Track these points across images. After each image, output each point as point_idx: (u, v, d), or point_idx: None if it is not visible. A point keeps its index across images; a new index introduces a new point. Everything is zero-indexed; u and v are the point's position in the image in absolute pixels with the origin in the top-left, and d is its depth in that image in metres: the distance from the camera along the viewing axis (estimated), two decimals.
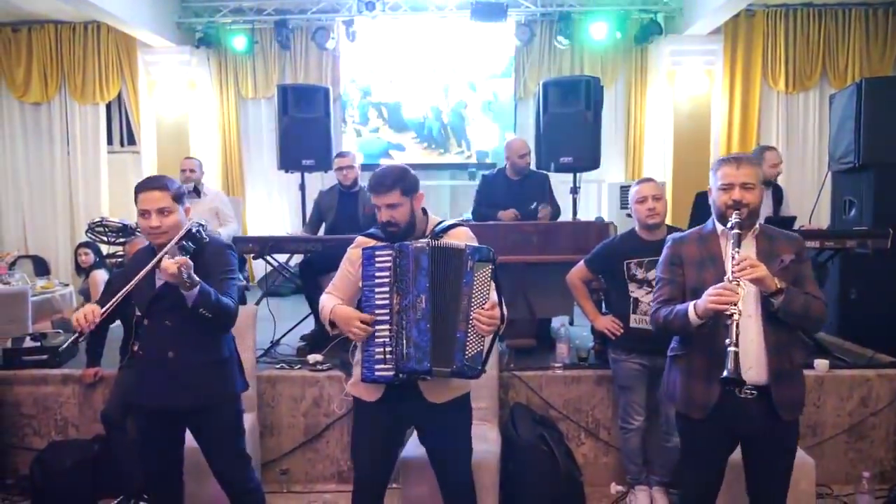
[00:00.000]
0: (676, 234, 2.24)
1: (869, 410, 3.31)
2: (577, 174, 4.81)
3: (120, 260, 4.90)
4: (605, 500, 3.23)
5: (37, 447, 3.47)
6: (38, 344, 3.64)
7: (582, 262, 3.07)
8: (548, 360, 3.51)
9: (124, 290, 2.09)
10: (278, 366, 3.54)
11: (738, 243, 1.98)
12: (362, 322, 2.01)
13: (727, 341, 1.87)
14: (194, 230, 2.21)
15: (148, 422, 2.31)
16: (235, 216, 4.98)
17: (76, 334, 2.05)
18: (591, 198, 6.99)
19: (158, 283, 2.19)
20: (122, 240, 4.62)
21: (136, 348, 3.15)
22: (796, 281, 2.05)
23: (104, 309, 2.06)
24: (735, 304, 1.88)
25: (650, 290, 2.85)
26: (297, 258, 4.98)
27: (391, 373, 2.01)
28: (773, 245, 2.09)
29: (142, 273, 2.10)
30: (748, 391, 2.01)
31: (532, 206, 4.08)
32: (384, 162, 6.94)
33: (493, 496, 2.71)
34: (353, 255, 2.21)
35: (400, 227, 2.11)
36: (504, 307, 2.02)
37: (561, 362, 3.46)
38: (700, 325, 2.00)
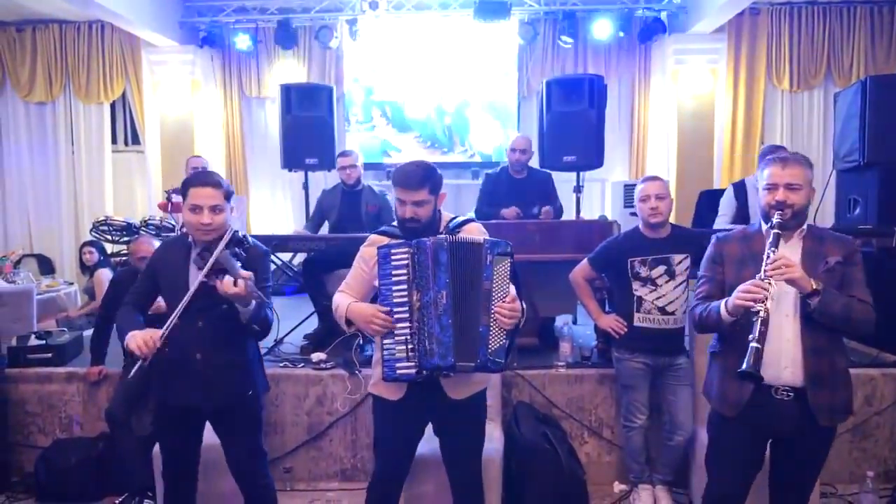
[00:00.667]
0: (721, 233, 2.26)
1: (873, 410, 3.30)
2: (581, 173, 4.81)
3: (124, 259, 4.91)
4: (607, 499, 3.22)
5: (41, 445, 3.49)
6: (43, 342, 3.66)
7: (585, 261, 3.07)
8: (551, 358, 3.50)
9: (176, 311, 2.10)
10: (282, 364, 3.55)
11: (775, 243, 1.97)
12: (381, 320, 2.00)
13: (750, 336, 1.86)
14: (241, 235, 2.21)
15: (171, 418, 2.32)
16: (239, 216, 5.00)
17: (140, 362, 2.06)
18: (594, 197, 6.99)
19: (193, 283, 2.18)
20: (125, 238, 4.64)
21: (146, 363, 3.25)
22: (843, 284, 2.02)
23: (161, 332, 2.07)
24: (763, 302, 1.86)
25: (654, 288, 2.87)
26: (300, 257, 5.01)
27: (413, 370, 2.00)
28: (820, 246, 2.07)
29: (198, 278, 2.12)
30: (785, 392, 2.02)
31: (535, 211, 4.08)
32: (386, 161, 6.94)
33: (497, 495, 2.71)
34: (366, 253, 2.20)
35: (421, 225, 2.10)
36: (523, 301, 2.04)
37: (564, 361, 3.46)
38: (733, 322, 1.99)
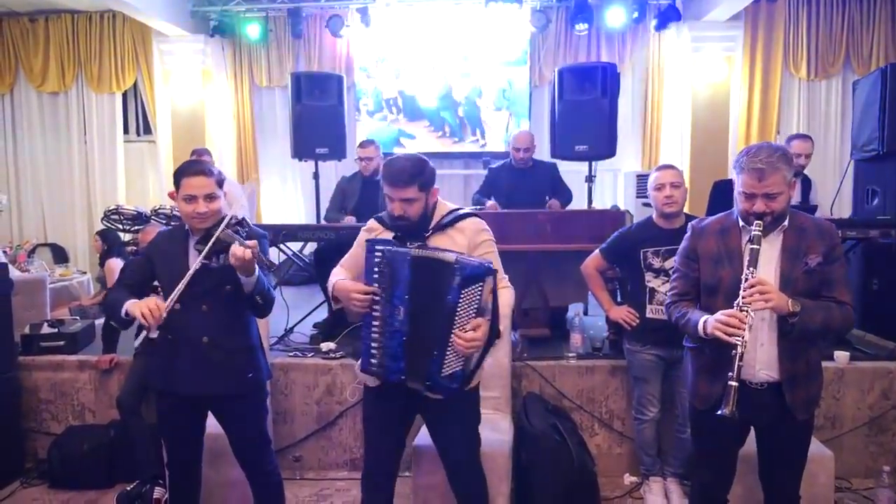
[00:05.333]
0: (697, 224, 2.16)
1: (890, 403, 3.24)
2: (593, 163, 4.76)
3: (133, 248, 4.93)
4: (618, 490, 3.20)
5: (54, 432, 3.52)
6: (56, 330, 3.69)
7: (597, 251, 3.03)
8: (561, 349, 3.48)
9: (182, 283, 2.08)
10: (291, 353, 3.55)
11: (754, 261, 1.87)
12: (361, 293, 1.98)
13: (730, 374, 1.81)
14: (240, 217, 2.22)
15: (172, 407, 2.31)
16: (250, 206, 5.00)
17: (146, 331, 2.06)
18: (606, 187, 6.92)
19: (192, 268, 2.18)
20: (136, 227, 4.65)
21: (153, 335, 3.25)
22: (823, 283, 1.95)
23: (168, 303, 2.07)
24: (742, 337, 1.81)
25: (667, 279, 2.81)
26: (310, 247, 5.00)
27: (379, 375, 2.04)
28: (801, 241, 1.97)
29: (199, 259, 2.10)
30: (759, 385, 1.99)
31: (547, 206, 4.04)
32: (397, 151, 6.91)
33: (506, 486, 2.69)
34: (362, 238, 2.20)
35: (411, 222, 2.06)
36: (500, 322, 1.98)
37: (575, 352, 3.43)
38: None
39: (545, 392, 3.34)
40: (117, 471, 3.29)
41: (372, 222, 2.22)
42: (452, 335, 1.88)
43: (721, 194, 4.77)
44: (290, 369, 3.41)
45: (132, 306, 2.05)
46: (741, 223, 2.03)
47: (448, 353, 1.90)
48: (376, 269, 1.98)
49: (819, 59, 6.66)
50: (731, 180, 4.73)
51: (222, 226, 2.11)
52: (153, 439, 3.10)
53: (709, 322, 1.91)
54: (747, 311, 1.83)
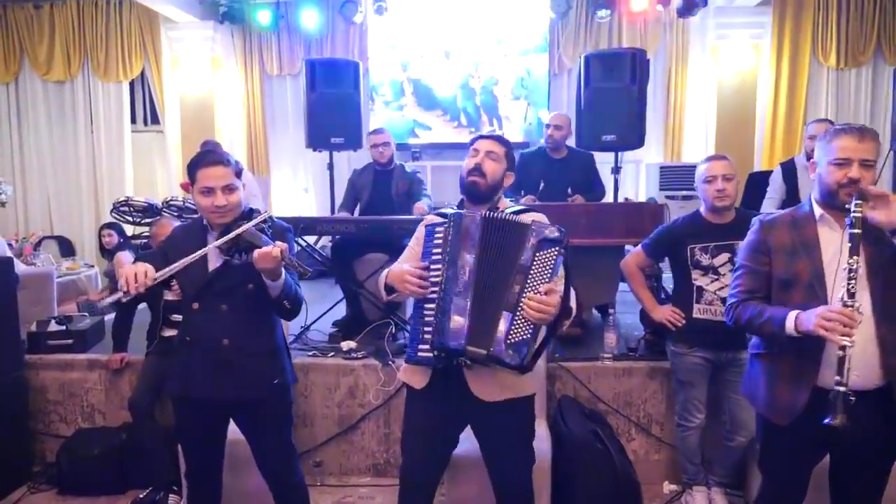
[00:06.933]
0: (766, 216, 1.98)
1: None
2: (619, 153, 4.57)
3: (145, 241, 4.77)
4: (657, 499, 3.03)
5: (63, 434, 3.37)
6: (64, 328, 3.53)
7: (639, 247, 2.84)
8: (595, 350, 3.30)
9: (182, 261, 1.87)
10: (311, 353, 3.38)
11: (856, 249, 1.68)
12: (415, 274, 1.83)
13: (836, 378, 1.62)
14: (264, 212, 2.04)
15: (190, 414, 2.14)
16: (262, 196, 4.82)
17: (120, 294, 1.81)
18: (628, 179, 6.70)
19: (212, 265, 2.02)
20: (147, 220, 4.50)
21: (166, 334, 3.10)
22: None
23: (158, 274, 1.83)
24: (851, 336, 1.61)
25: (716, 277, 2.64)
26: (322, 240, 4.83)
27: (430, 353, 1.83)
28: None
29: (204, 250, 1.92)
30: (850, 397, 1.79)
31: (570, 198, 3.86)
32: (411, 142, 6.72)
33: (546, 495, 2.53)
34: (420, 231, 2.05)
35: (486, 182, 1.98)
36: (572, 300, 1.82)
37: (610, 353, 3.25)
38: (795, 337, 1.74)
39: (580, 395, 3.16)
40: (129, 476, 3.13)
41: (430, 216, 2.08)
42: (523, 299, 1.74)
43: (755, 186, 4.59)
44: (309, 370, 3.24)
45: (123, 267, 1.84)
46: (817, 213, 1.85)
47: (517, 318, 1.75)
48: (440, 249, 1.85)
49: (849, 46, 6.40)
50: (765, 172, 4.53)
51: (251, 224, 1.93)
52: (167, 444, 2.96)
53: (803, 318, 1.70)
54: (857, 307, 1.64)
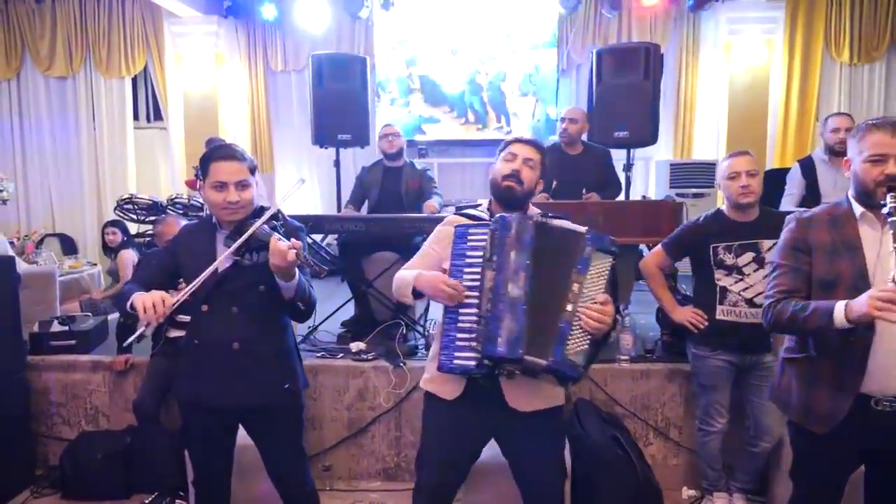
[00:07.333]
0: (802, 214, 1.89)
1: None
2: (631, 150, 4.48)
3: (148, 239, 4.69)
4: None
5: (66, 437, 3.30)
6: (67, 328, 3.45)
7: (659, 247, 2.75)
8: (611, 351, 3.21)
9: (198, 280, 1.82)
10: (319, 354, 3.30)
11: None
12: (451, 282, 1.74)
13: None
14: (276, 210, 1.95)
15: (201, 419, 2.06)
16: (266, 196, 4.74)
17: (143, 328, 1.77)
18: (637, 176, 6.56)
19: (222, 266, 1.93)
20: (151, 218, 4.41)
21: (171, 334, 3.02)
22: None
23: (175, 300, 1.78)
24: None
25: (740, 277, 2.55)
26: (329, 238, 4.74)
27: (473, 361, 1.73)
28: None
29: (219, 260, 1.86)
30: (888, 403, 1.70)
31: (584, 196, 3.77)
32: (418, 138, 6.63)
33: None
34: (443, 232, 1.96)
35: (522, 189, 1.91)
36: (619, 312, 1.79)
37: (627, 354, 3.16)
38: (847, 329, 1.63)
39: (595, 397, 3.08)
40: (134, 481, 3.05)
41: (452, 216, 1.99)
42: (580, 308, 1.70)
43: (772, 184, 4.49)
44: (318, 371, 3.16)
45: (135, 299, 1.76)
46: (857, 211, 1.77)
47: (574, 328, 1.70)
48: (478, 252, 1.76)
49: (862, 41, 6.31)
50: (782, 170, 4.42)
51: (262, 220, 1.85)
52: (173, 448, 2.88)
53: (854, 305, 1.58)
54: None
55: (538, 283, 1.72)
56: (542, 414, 1.87)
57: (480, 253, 1.75)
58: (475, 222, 1.85)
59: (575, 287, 1.72)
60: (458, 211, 2.02)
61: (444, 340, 1.78)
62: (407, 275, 1.91)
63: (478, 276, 1.74)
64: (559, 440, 1.99)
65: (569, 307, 1.71)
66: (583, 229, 1.77)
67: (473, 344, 1.72)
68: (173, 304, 1.76)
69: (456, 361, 1.75)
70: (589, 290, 1.72)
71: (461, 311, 1.75)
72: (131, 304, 1.78)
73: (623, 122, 4.26)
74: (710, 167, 5.92)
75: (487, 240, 1.75)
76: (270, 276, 1.86)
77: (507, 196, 1.92)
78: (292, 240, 1.79)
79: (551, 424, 1.93)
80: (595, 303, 1.70)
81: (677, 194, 5.91)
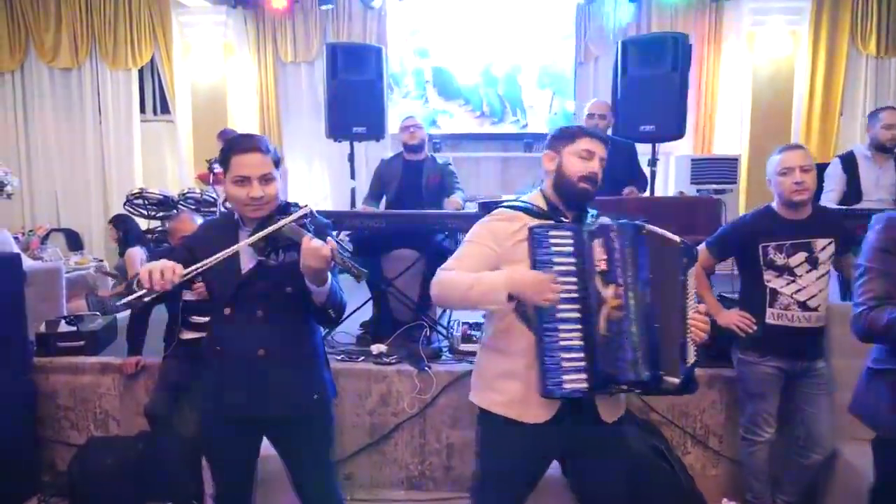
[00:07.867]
0: (888, 214, 1.75)
1: None
2: (656, 145, 4.33)
3: (158, 235, 4.54)
4: None
5: (75, 442, 3.16)
6: (75, 328, 3.31)
7: (703, 246, 2.59)
8: None
9: (216, 256, 1.64)
10: (339, 357, 3.15)
11: None
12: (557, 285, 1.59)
13: None
14: (308, 209, 1.80)
15: (224, 431, 1.91)
16: (281, 190, 4.59)
17: (142, 291, 1.58)
18: (657, 172, 6.44)
19: (246, 266, 1.80)
20: (161, 214, 4.27)
21: (185, 336, 2.88)
22: None
23: (187, 271, 1.60)
24: None
25: (791, 279, 2.40)
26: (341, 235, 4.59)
27: (586, 384, 1.61)
28: None
29: (241, 244, 1.70)
30: None
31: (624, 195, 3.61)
32: (432, 131, 6.47)
33: None
34: (499, 229, 1.75)
35: (595, 188, 1.78)
36: None
37: None
38: None
39: (631, 403, 2.93)
40: (147, 490, 2.89)
41: (503, 211, 1.79)
42: (689, 321, 1.68)
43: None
44: (338, 375, 3.00)
45: (142, 269, 1.59)
46: None
47: (687, 341, 1.69)
48: (568, 258, 1.63)
49: (890, 33, 6.14)
50: (821, 164, 4.24)
51: (290, 218, 1.69)
52: (188, 455, 2.73)
53: None
54: None
55: (661, 297, 1.65)
56: (621, 419, 1.84)
57: (573, 260, 1.61)
58: (550, 223, 1.69)
59: (682, 299, 1.69)
60: (507, 204, 1.83)
61: (549, 363, 1.61)
62: (484, 277, 1.66)
63: (575, 287, 1.60)
64: (627, 451, 1.91)
65: (684, 320, 1.68)
66: (677, 238, 1.72)
67: (584, 364, 1.60)
68: (184, 275, 1.59)
69: (566, 386, 1.61)
70: (691, 301, 1.71)
71: (560, 327, 1.60)
72: (137, 278, 1.60)
73: (649, 115, 4.14)
74: (731, 162, 5.77)
75: (573, 244, 1.62)
76: (297, 277, 1.71)
77: (582, 197, 1.77)
78: (328, 239, 1.63)
79: (624, 432, 1.88)
80: (697, 312, 1.69)
81: (698, 191, 5.76)
